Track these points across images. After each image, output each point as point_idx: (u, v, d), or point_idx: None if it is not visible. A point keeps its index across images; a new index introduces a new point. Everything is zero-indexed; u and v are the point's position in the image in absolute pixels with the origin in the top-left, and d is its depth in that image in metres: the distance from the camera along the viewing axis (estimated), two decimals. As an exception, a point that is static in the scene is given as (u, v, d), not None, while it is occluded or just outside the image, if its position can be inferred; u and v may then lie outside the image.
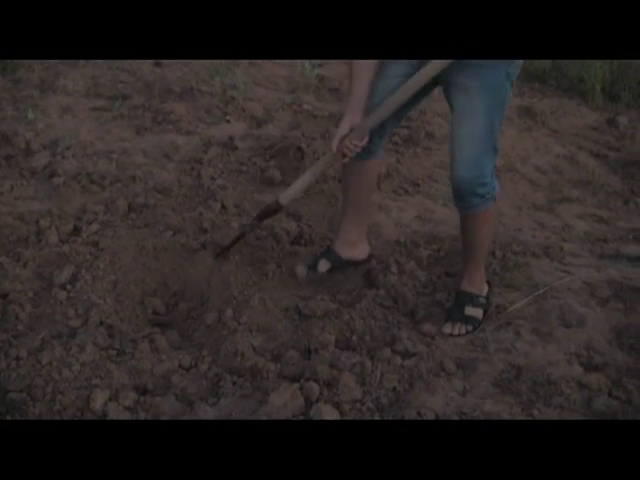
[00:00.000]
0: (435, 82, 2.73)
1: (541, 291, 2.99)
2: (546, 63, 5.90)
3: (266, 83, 5.18)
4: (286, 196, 2.97)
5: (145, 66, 5.24)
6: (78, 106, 4.60)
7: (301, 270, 3.15)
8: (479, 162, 2.66)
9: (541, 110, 5.22)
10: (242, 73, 5.07)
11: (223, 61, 5.11)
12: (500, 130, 2.72)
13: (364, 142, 2.75)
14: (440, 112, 4.67)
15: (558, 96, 5.63)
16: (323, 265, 3.17)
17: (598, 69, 5.57)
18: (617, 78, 5.71)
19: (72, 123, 4.37)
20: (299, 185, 2.98)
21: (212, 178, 3.85)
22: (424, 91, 2.80)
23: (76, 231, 3.33)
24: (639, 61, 5.76)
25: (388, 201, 3.79)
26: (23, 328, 2.68)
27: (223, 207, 3.61)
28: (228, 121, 4.51)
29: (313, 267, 3.17)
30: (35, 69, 5.04)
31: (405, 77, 2.67)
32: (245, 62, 5.41)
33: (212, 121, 4.52)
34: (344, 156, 2.80)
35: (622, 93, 5.60)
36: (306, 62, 5.12)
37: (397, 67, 2.72)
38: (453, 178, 2.71)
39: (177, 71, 5.15)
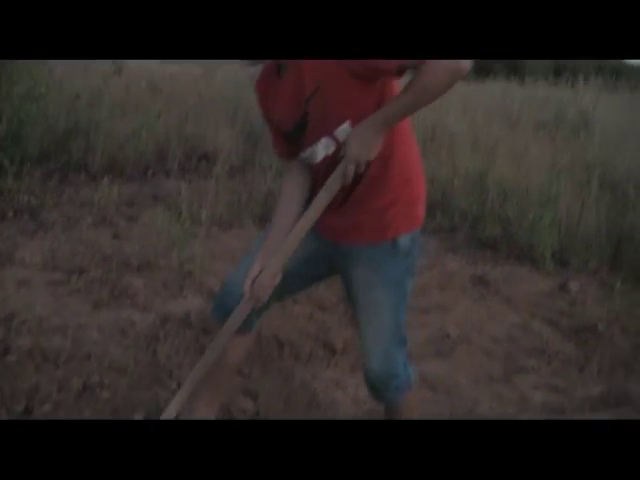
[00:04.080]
0: (331, 271, 2.75)
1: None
2: (497, 232, 6.08)
3: (223, 256, 5.23)
4: (170, 411, 2.66)
5: (103, 239, 5.29)
6: (35, 279, 4.60)
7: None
8: (389, 356, 2.63)
9: (494, 278, 5.33)
10: (199, 246, 5.14)
11: (180, 233, 5.18)
12: (405, 320, 2.67)
13: (277, 281, 2.57)
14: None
15: (510, 263, 5.76)
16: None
17: (547, 236, 5.74)
18: (566, 244, 5.89)
19: (28, 297, 4.36)
20: (184, 392, 2.67)
21: (168, 356, 3.83)
22: (316, 277, 2.85)
23: (28, 411, 3.27)
24: (586, 226, 5.96)
25: (345, 378, 3.79)
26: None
27: (179, 386, 3.58)
28: (185, 296, 4.53)
29: None
30: (-8, 240, 5.08)
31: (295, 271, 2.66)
32: (202, 234, 5.49)
33: (169, 295, 4.54)
34: (258, 300, 2.58)
35: (572, 259, 5.76)
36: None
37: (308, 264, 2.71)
38: (366, 372, 2.68)
39: (135, 244, 5.20)
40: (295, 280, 2.75)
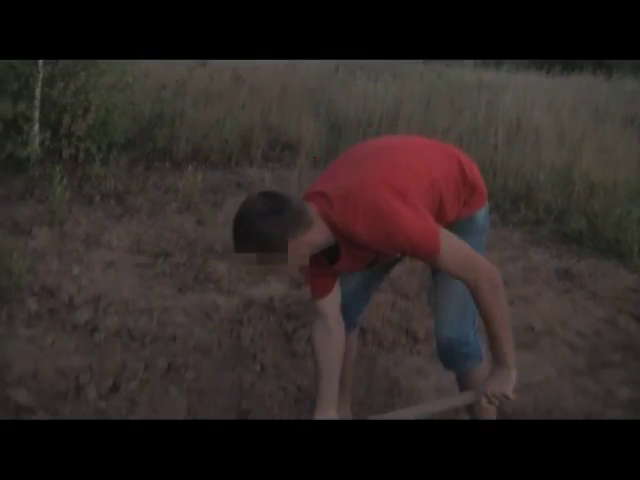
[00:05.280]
0: None
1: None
2: (582, 225, 5.95)
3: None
4: None
5: (188, 225, 5.36)
6: (121, 262, 4.69)
7: None
8: (461, 324, 2.74)
9: (579, 272, 5.22)
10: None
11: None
12: None
13: None
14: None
15: (595, 258, 5.64)
16: None
17: (635, 230, 5.60)
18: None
19: (115, 279, 4.45)
20: None
21: (252, 339, 3.87)
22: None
23: (115, 388, 3.34)
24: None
25: (427, 366, 3.77)
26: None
27: (262, 369, 3.61)
28: (268, 282, 4.56)
29: None
30: (81, 223, 5.17)
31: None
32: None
33: (252, 281, 4.57)
34: None
35: (660, 253, 5.61)
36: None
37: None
38: (437, 338, 2.79)
39: (219, 229, 5.24)
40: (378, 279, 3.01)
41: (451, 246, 2.36)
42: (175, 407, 3.24)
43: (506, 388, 2.47)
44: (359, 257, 2.57)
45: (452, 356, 2.81)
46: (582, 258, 5.59)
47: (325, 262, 2.58)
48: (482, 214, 2.75)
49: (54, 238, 4.93)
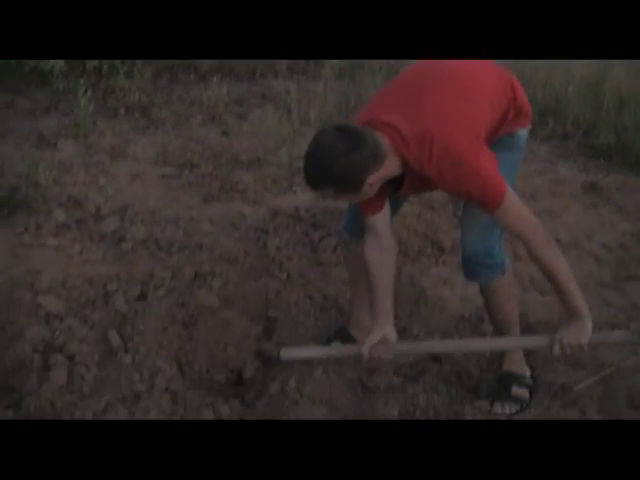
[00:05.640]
0: None
1: (608, 371, 2.94)
2: (611, 139, 5.86)
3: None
4: (288, 354, 2.80)
5: (213, 136, 5.33)
6: (147, 173, 4.69)
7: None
8: (487, 235, 2.75)
9: (606, 186, 5.16)
10: (308, 144, 5.10)
11: (290, 132, 5.19)
12: None
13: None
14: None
15: (623, 172, 5.56)
16: (336, 346, 3.14)
17: (664, 145, 5.53)
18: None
19: (141, 189, 4.46)
20: (307, 353, 2.88)
21: (278, 248, 3.88)
22: None
23: (142, 296, 3.38)
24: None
25: (453, 276, 3.78)
26: (88, 390, 2.71)
27: (288, 277, 3.63)
28: (294, 192, 4.56)
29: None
30: (107, 135, 5.16)
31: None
32: (311, 133, 5.46)
33: (278, 191, 4.57)
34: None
35: (690, 169, 5.53)
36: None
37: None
38: (463, 249, 2.83)
39: (244, 141, 5.22)
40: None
41: (512, 203, 2.39)
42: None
43: (582, 338, 2.49)
44: (419, 187, 2.61)
45: (475, 267, 2.83)
46: (610, 172, 5.52)
47: (388, 190, 2.58)
48: (524, 133, 2.76)
49: (80, 150, 4.91)
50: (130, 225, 3.95)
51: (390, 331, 2.70)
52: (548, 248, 2.44)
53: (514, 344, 2.86)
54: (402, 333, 3.29)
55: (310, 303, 3.50)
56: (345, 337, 3.18)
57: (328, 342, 3.15)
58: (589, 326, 2.50)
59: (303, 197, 4.50)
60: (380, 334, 2.67)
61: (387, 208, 2.68)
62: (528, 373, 3.00)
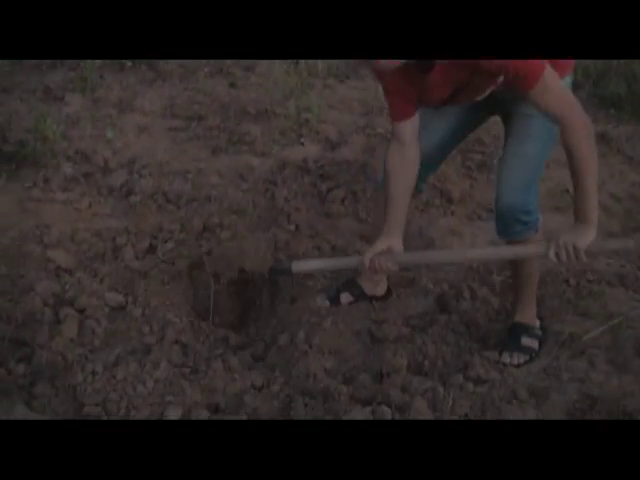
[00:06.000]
0: (492, 112, 2.79)
1: (616, 320, 2.94)
2: (621, 89, 5.80)
3: (340, 106, 5.18)
4: (300, 266, 2.86)
5: (220, 87, 5.30)
6: (155, 126, 4.68)
7: (322, 301, 3.13)
8: (527, 189, 2.66)
9: (616, 136, 5.12)
10: (316, 96, 5.10)
11: (298, 83, 5.16)
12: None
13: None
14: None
15: (634, 123, 5.51)
16: (345, 298, 3.16)
17: (675, 95, 5.47)
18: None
19: (149, 142, 4.45)
20: (316, 265, 2.96)
21: (286, 199, 3.87)
22: (479, 122, 2.90)
23: (152, 249, 3.39)
24: None
25: (462, 226, 3.77)
26: (99, 343, 2.73)
27: (297, 228, 3.63)
28: (302, 143, 4.54)
29: (333, 299, 3.15)
30: (114, 88, 5.14)
31: (448, 129, 2.77)
32: (319, 84, 5.44)
33: (286, 143, 4.55)
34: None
35: (700, 119, 5.47)
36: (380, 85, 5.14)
37: (440, 119, 2.76)
38: (499, 203, 2.69)
39: (252, 92, 5.19)
40: (453, 143, 2.93)
41: (552, 81, 2.27)
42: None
43: (581, 241, 2.37)
44: (451, 77, 2.44)
45: (511, 222, 2.70)
46: (620, 122, 5.48)
47: (416, 95, 2.54)
48: (567, 81, 2.60)
49: (87, 104, 4.90)
50: (138, 178, 3.96)
51: (397, 243, 2.68)
52: (585, 139, 2.29)
53: (513, 252, 2.77)
54: (410, 284, 3.31)
55: (319, 254, 3.50)
56: (354, 288, 3.18)
57: (337, 293, 3.16)
58: (591, 232, 2.38)
59: (311, 148, 4.48)
60: (386, 243, 2.66)
61: (416, 117, 2.61)
62: (538, 324, 2.99)
